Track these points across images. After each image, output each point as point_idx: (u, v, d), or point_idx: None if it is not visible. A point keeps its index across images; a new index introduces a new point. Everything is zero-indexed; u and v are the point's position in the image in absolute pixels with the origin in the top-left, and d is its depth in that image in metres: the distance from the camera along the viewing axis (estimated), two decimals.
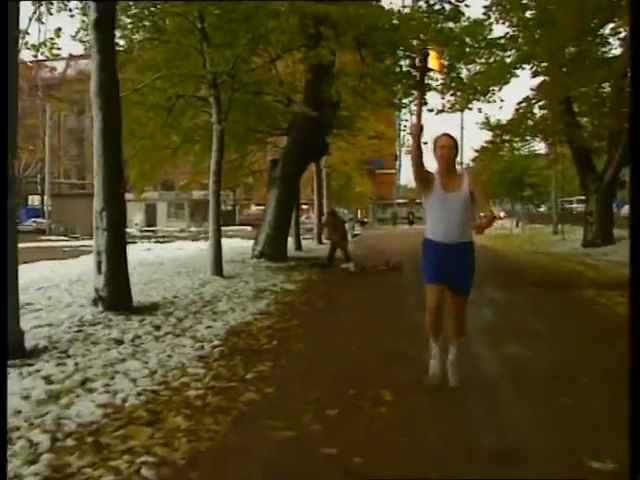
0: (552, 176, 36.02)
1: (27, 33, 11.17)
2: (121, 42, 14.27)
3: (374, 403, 4.90)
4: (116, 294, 8.64)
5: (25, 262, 17.10)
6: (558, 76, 19.17)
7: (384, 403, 4.90)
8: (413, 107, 21.79)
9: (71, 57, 49.04)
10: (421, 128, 5.05)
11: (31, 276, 13.53)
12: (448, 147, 5.06)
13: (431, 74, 18.89)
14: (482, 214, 5.04)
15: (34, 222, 54.57)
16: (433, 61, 5.23)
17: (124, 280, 8.87)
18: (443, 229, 5.06)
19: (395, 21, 15.50)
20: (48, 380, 5.27)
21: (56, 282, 12.42)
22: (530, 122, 24.39)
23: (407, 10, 18.96)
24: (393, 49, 17.26)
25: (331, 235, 18.77)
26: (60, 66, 55.09)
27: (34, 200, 66.17)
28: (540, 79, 23.03)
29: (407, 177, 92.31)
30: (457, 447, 4.00)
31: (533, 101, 23.22)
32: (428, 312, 5.19)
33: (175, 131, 17.57)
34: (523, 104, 23.74)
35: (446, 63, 17.74)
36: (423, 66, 5.27)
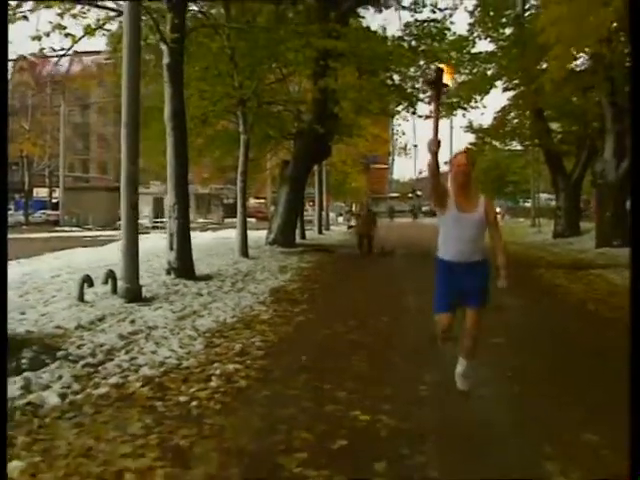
0: (530, 175, 39.36)
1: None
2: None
3: (375, 321, 8.18)
4: (183, 265, 11.82)
5: (62, 249, 20.25)
6: (526, 92, 22.31)
7: (381, 321, 8.18)
8: (404, 114, 25.21)
9: (76, 53, 51.49)
10: (439, 144, 4.82)
11: (89, 257, 16.62)
12: (465, 165, 4.89)
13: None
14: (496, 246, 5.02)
15: (43, 214, 57.08)
16: (447, 76, 5.13)
17: (189, 255, 12.06)
18: (456, 248, 4.89)
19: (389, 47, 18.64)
20: (172, 311, 8.47)
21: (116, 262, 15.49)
22: (507, 128, 27.62)
23: (399, 33, 22.33)
24: (387, 68, 20.45)
25: (363, 227, 20.80)
26: (64, 62, 57.38)
27: (39, 192, 68.29)
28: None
29: (399, 172, 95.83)
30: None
31: (508, 111, 26.40)
32: (439, 340, 5.16)
33: (200, 136, 20.65)
34: (500, 113, 26.94)
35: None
36: (438, 82, 5.09)
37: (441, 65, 5.35)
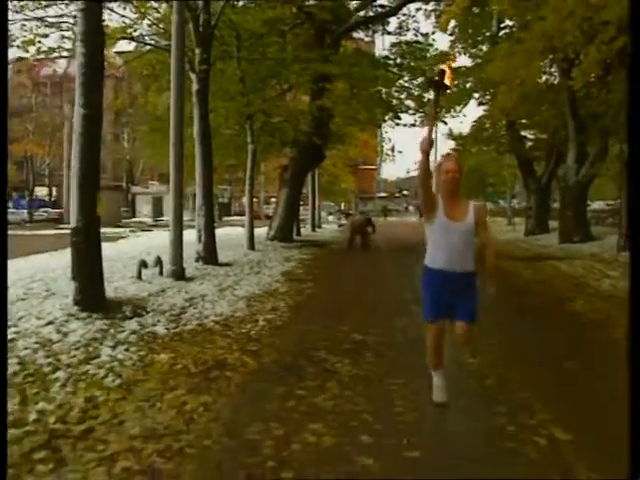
0: (506, 178, 42.35)
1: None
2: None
3: (362, 290, 11.04)
4: (209, 254, 14.60)
5: None
6: (496, 105, 25.10)
7: (367, 290, 11.04)
8: (390, 122, 28.09)
9: (73, 55, 53.72)
10: (431, 144, 4.78)
11: (111, 251, 19.31)
12: (453, 171, 4.78)
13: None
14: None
15: (45, 212, 59.37)
16: (448, 78, 5.12)
17: (213, 246, 14.83)
18: (444, 257, 4.82)
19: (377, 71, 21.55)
20: (213, 285, 11.26)
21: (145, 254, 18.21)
22: (484, 135, 30.53)
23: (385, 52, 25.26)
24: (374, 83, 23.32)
25: (356, 229, 23.45)
26: (61, 64, 59.51)
27: (38, 191, 70.29)
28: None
29: (387, 172, 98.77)
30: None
31: (483, 122, 29.30)
32: (429, 350, 5.07)
33: None
34: (476, 122, 29.84)
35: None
36: (440, 83, 5.09)
37: (443, 66, 5.31)
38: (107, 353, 6.31)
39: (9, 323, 7.13)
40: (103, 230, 25.64)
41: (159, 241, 22.17)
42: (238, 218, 53.67)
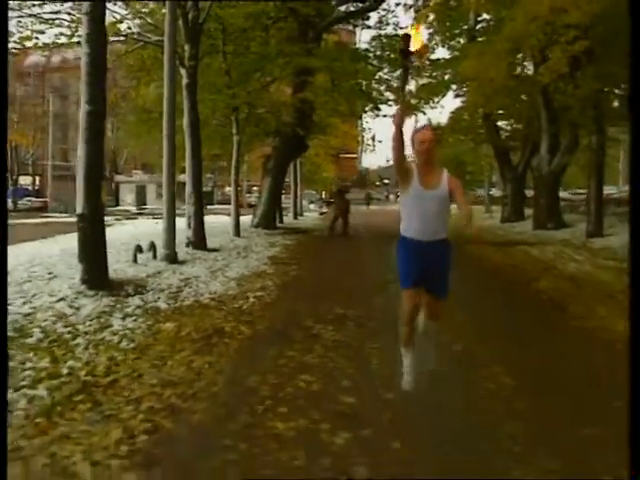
0: (484, 167, 43.34)
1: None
2: None
3: (341, 271, 11.91)
4: (199, 240, 15.39)
5: (69, 232, 23.63)
6: (469, 100, 26.00)
7: (345, 270, 11.92)
8: (370, 114, 28.93)
9: (54, 46, 54.26)
10: (404, 117, 4.80)
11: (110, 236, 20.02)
12: (429, 141, 4.79)
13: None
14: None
15: (29, 201, 59.72)
16: (415, 42, 4.98)
17: (202, 232, 15.62)
18: (419, 226, 4.83)
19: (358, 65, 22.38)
20: (205, 268, 12.07)
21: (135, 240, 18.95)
22: (461, 125, 31.39)
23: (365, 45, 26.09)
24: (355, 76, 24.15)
25: (338, 208, 24.57)
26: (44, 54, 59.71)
27: (22, 180, 70.60)
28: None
29: (368, 161, 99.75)
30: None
31: (460, 113, 30.16)
32: (403, 322, 4.98)
33: None
34: (454, 113, 30.71)
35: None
36: (405, 49, 4.95)
37: (407, 32, 5.02)
38: (118, 323, 7.14)
39: (22, 300, 7.95)
40: None
41: (145, 228, 23.06)
42: (221, 207, 54.36)
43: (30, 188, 66.57)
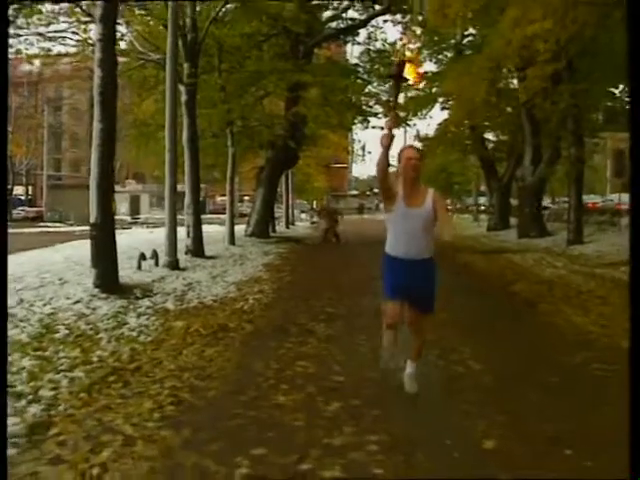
0: (471, 177, 44.47)
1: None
2: None
3: (332, 275, 12.81)
4: (197, 248, 16.26)
5: (68, 241, 24.41)
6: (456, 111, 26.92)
7: (335, 276, 12.81)
8: (360, 125, 29.93)
9: (48, 56, 54.85)
10: (391, 139, 4.79)
11: None
12: (415, 159, 4.86)
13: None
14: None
15: (22, 210, 60.18)
16: (410, 71, 5.04)
17: (200, 241, 16.49)
18: (404, 245, 4.90)
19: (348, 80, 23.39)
20: (205, 274, 12.93)
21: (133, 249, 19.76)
22: (448, 137, 32.35)
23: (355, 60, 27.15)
24: (345, 91, 25.14)
25: (326, 222, 26.28)
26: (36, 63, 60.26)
27: (15, 190, 71.09)
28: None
29: (358, 170, 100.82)
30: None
31: (446, 125, 31.12)
32: (386, 331, 5.09)
33: None
34: (441, 125, 31.68)
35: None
36: (398, 75, 5.02)
37: (404, 58, 5.18)
38: (133, 321, 8.01)
39: (42, 302, 8.78)
40: (83, 228, 26.33)
41: (140, 238, 23.81)
42: (213, 216, 55.15)
43: (23, 198, 67.02)
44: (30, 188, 70.13)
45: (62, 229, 42.60)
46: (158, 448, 4.03)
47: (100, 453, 3.92)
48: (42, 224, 49.11)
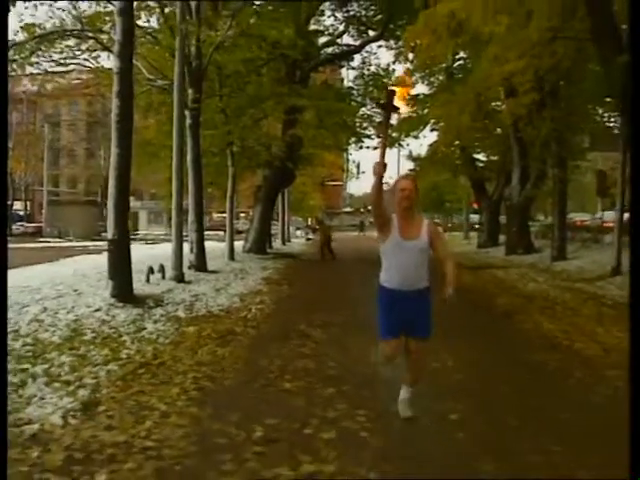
0: (461, 196, 45.61)
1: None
2: None
3: (328, 289, 13.81)
4: (200, 263, 17.23)
5: (70, 256, 25.30)
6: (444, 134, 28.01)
7: (331, 289, 13.82)
8: (354, 146, 31.10)
9: (47, 72, 55.74)
10: (385, 167, 4.73)
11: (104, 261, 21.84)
12: (409, 190, 4.79)
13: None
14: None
15: (21, 225, 60.93)
16: (399, 100, 5.50)
17: (203, 256, 17.48)
18: (399, 276, 4.89)
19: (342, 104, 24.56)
20: (210, 287, 13.90)
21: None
22: (438, 157, 33.45)
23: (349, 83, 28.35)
24: (340, 114, 26.29)
25: (322, 236, 27.54)
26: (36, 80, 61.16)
27: (16, 205, 71.84)
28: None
29: (353, 187, 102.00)
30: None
31: (437, 146, 32.23)
32: (382, 364, 5.33)
33: None
34: (432, 146, 32.81)
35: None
36: (389, 106, 5.00)
37: (393, 88, 5.08)
38: (151, 326, 9.00)
39: (65, 310, 9.74)
40: (85, 244, 27.26)
41: (141, 253, 24.68)
42: (211, 233, 55.90)
43: (22, 213, 67.85)
44: (28, 204, 71.06)
45: (63, 244, 43.28)
46: (189, 419, 5.03)
47: (143, 423, 4.91)
48: (42, 239, 49.75)
